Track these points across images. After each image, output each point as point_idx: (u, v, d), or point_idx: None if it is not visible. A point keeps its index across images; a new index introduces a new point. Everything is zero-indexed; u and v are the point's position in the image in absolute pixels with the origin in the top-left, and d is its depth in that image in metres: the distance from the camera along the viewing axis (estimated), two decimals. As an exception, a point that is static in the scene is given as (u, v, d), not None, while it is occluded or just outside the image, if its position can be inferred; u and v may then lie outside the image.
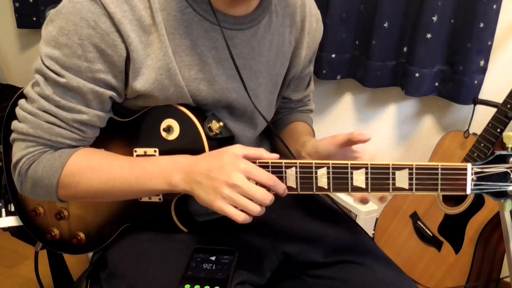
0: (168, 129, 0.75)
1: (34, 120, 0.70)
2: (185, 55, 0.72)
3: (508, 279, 1.36)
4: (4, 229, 0.91)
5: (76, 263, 1.08)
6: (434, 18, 1.35)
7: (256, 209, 0.65)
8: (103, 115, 0.73)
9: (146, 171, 0.71)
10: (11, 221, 0.90)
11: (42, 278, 1.00)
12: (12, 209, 0.90)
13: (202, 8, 0.72)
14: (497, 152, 0.63)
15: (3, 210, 0.91)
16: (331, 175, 0.68)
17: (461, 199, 1.32)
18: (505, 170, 0.63)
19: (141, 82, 0.71)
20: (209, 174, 0.66)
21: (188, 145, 0.75)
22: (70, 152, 0.73)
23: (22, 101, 0.73)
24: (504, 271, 1.36)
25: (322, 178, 0.69)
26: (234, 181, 0.64)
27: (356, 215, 1.51)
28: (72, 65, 0.67)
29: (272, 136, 0.99)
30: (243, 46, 0.77)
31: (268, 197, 0.65)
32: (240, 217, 0.65)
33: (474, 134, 1.32)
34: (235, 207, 0.65)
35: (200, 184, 0.66)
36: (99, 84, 0.69)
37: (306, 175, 0.69)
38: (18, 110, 0.72)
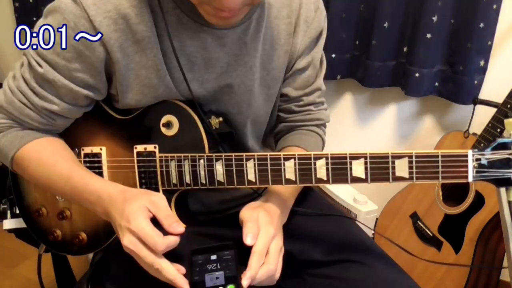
0: (168, 125, 0.75)
1: (10, 96, 0.75)
2: (174, 56, 0.73)
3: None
4: (9, 230, 0.91)
5: (77, 265, 1.08)
6: (434, 18, 1.35)
7: (147, 258, 0.63)
8: (75, 109, 0.76)
9: (77, 190, 0.73)
10: (16, 223, 0.90)
11: (43, 279, 1.00)
12: (17, 211, 0.90)
13: (190, 9, 0.71)
14: (499, 139, 0.61)
15: (8, 211, 0.91)
16: (329, 166, 0.66)
17: (461, 199, 1.32)
18: (507, 156, 0.61)
19: (132, 77, 0.73)
20: (119, 217, 0.66)
21: (188, 140, 0.75)
22: (32, 137, 0.76)
23: (10, 75, 0.78)
24: (504, 271, 1.36)
25: (321, 169, 0.67)
26: (132, 226, 0.63)
27: (356, 215, 1.51)
28: (51, 60, 0.71)
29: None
30: (233, 43, 0.76)
31: (157, 245, 0.61)
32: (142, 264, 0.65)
33: (474, 134, 1.32)
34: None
35: (114, 222, 0.68)
36: (75, 81, 0.72)
37: (305, 167, 0.67)
38: (4, 82, 0.78)
